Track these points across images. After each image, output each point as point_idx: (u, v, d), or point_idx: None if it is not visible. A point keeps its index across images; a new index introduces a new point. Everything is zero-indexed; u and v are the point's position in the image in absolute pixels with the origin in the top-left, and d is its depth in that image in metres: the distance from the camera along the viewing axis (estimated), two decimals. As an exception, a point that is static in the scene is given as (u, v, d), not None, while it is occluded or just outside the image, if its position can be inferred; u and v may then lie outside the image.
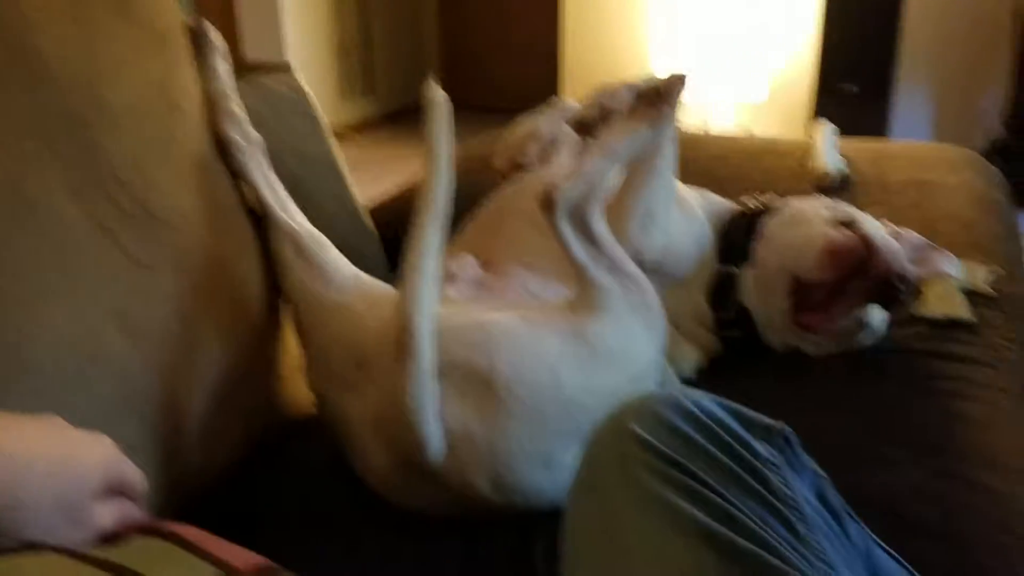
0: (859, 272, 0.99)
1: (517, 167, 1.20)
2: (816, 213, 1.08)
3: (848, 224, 1.04)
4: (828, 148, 1.57)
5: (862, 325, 1.04)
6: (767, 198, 1.16)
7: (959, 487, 0.81)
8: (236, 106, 0.95)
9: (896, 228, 1.18)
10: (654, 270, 1.04)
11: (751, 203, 1.16)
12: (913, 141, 3.40)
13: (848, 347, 1.05)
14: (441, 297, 0.92)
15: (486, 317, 0.78)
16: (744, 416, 0.60)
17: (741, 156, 1.67)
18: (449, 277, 0.95)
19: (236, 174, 0.94)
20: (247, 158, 0.93)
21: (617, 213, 1.01)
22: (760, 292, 1.06)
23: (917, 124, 3.51)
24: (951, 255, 1.18)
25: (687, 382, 1.02)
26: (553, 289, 0.95)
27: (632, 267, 0.84)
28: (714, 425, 0.57)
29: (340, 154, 1.34)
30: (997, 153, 3.30)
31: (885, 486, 0.81)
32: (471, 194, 1.19)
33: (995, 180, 1.58)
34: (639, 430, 0.56)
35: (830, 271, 0.99)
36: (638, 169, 1.00)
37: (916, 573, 0.63)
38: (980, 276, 1.17)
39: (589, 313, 0.79)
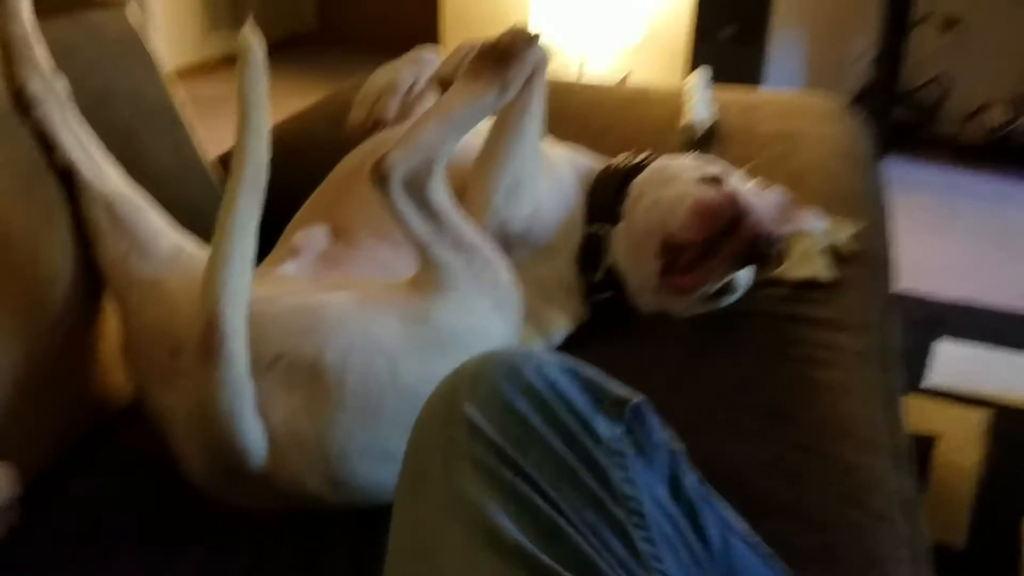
0: (729, 232, 0.96)
1: (375, 122, 1.12)
2: (684, 171, 1.04)
3: (716, 182, 1.01)
4: (698, 99, 1.54)
5: (732, 287, 1.02)
6: (637, 155, 1.12)
7: (813, 460, 0.80)
8: (36, 52, 0.83)
9: (762, 185, 1.16)
10: (520, 241, 1.00)
11: (620, 161, 1.12)
12: (784, 89, 3.46)
13: (715, 307, 1.03)
14: (276, 275, 0.84)
15: (316, 299, 0.71)
16: (595, 386, 0.55)
17: (613, 106, 1.63)
18: (292, 251, 0.87)
19: (38, 130, 0.83)
20: (49, 111, 0.82)
21: (480, 181, 0.94)
22: (629, 253, 1.02)
23: (791, 69, 3.55)
24: (815, 212, 1.17)
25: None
26: (406, 261, 0.88)
27: (480, 241, 0.78)
28: (556, 403, 0.52)
29: (182, 100, 1.22)
30: (866, 98, 3.38)
31: (739, 460, 0.79)
32: (340, 147, 1.10)
33: (861, 131, 1.59)
34: (471, 411, 0.51)
35: (698, 231, 0.96)
36: (503, 130, 0.93)
37: (776, 562, 0.61)
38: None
39: (431, 293, 0.73)
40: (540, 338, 1.00)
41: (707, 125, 1.49)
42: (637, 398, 0.56)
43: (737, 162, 1.32)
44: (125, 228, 0.79)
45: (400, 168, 0.73)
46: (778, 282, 1.08)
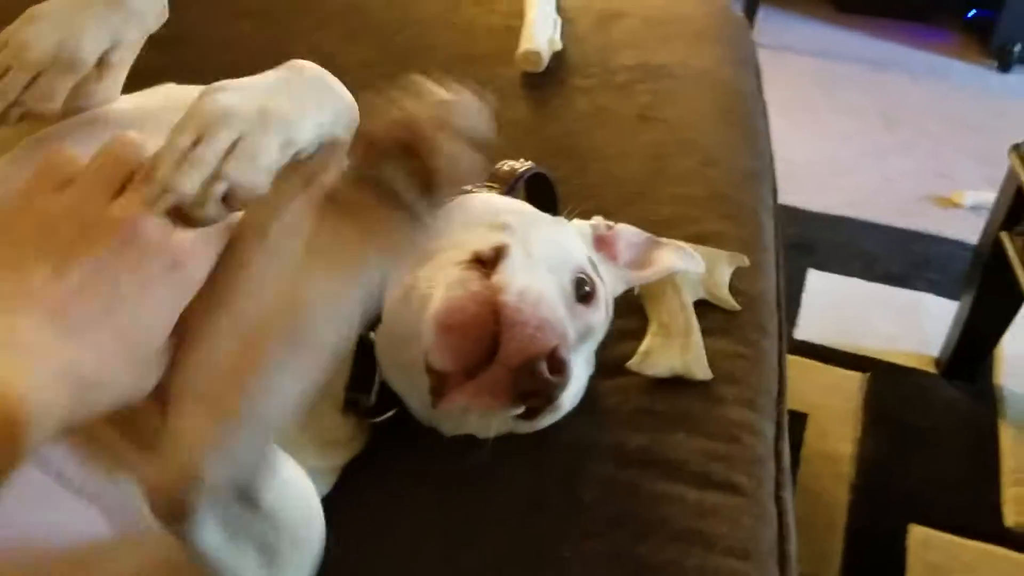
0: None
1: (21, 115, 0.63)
2: (449, 240, 0.64)
3: (487, 264, 0.61)
4: (542, 7, 1.12)
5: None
6: None
7: None
8: None
9: (605, 222, 0.78)
10: None
11: None
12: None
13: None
14: None
15: None
16: None
17: (429, 3, 1.18)
18: None
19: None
20: None
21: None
22: (393, 366, 0.64)
23: None
24: (682, 246, 0.80)
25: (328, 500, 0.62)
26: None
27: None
28: None
29: None
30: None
31: None
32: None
33: (746, 54, 1.21)
34: None
35: (447, 357, 0.58)
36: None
37: None
38: (721, 273, 0.82)
39: None
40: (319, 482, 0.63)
41: (555, 47, 1.08)
42: None
43: (584, 123, 0.95)
44: None
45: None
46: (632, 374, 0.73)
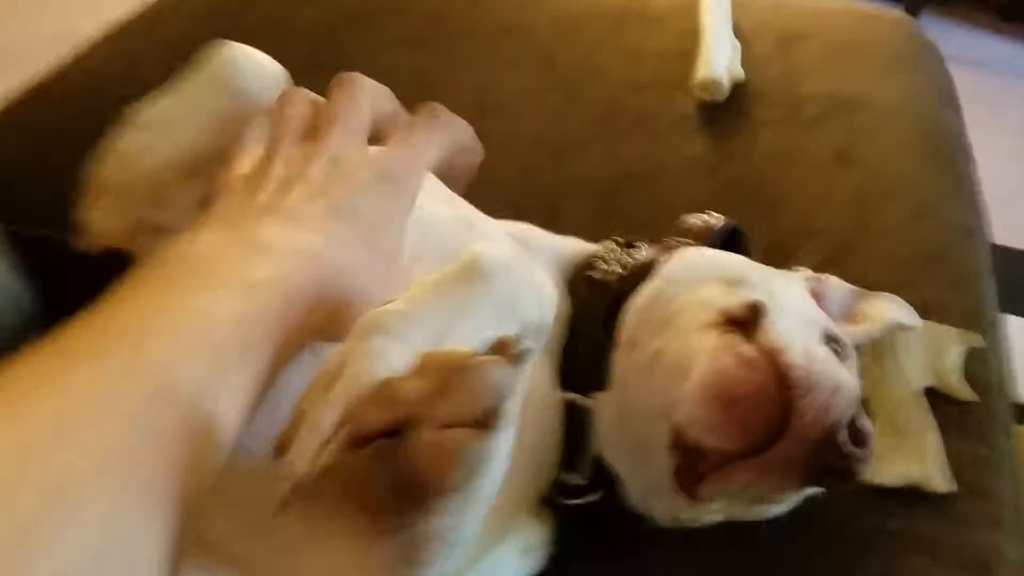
0: (777, 432, 0.49)
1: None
2: (693, 298, 0.55)
3: (745, 325, 0.52)
4: (719, 28, 1.01)
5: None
6: (643, 248, 0.63)
7: None
8: None
9: (813, 274, 0.67)
10: None
11: (609, 259, 0.61)
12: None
13: (754, 516, 0.58)
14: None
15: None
16: None
17: (593, 21, 1.09)
18: None
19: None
20: None
21: None
22: (624, 441, 0.56)
23: None
24: (893, 297, 0.70)
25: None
26: None
27: None
28: None
29: None
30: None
31: None
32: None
33: (944, 85, 1.07)
34: None
35: (722, 435, 0.49)
36: None
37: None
38: (952, 355, 0.70)
39: None
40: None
41: (736, 77, 0.97)
42: None
43: (772, 163, 0.84)
44: None
45: None
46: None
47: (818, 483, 0.50)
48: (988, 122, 2.26)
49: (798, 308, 0.55)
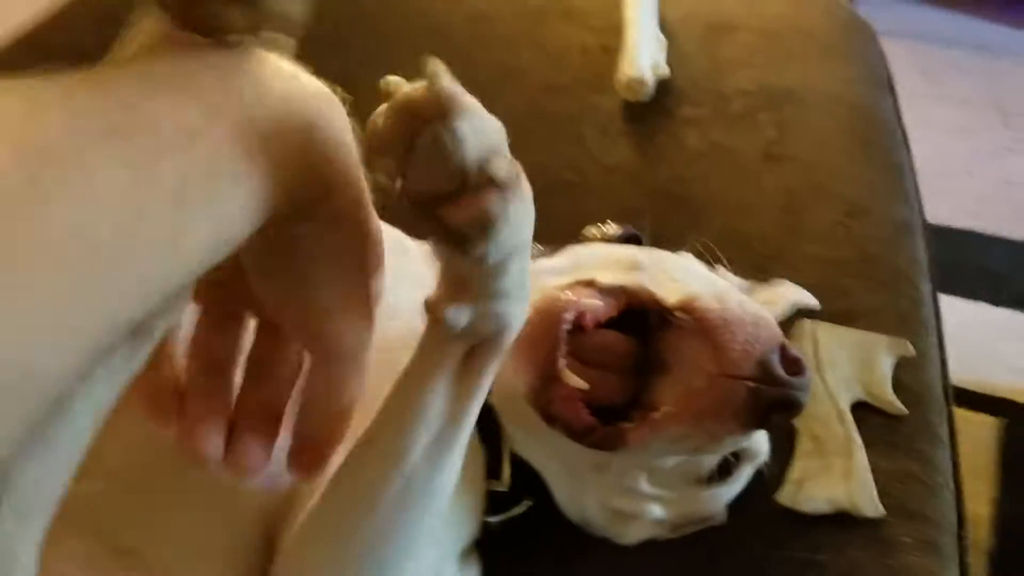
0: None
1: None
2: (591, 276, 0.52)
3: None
4: (644, 23, 0.97)
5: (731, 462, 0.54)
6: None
7: None
8: None
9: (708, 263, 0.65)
10: None
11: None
12: None
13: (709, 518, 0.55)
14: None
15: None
16: None
17: (513, 19, 1.04)
18: None
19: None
20: None
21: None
22: (527, 422, 0.53)
23: None
24: (791, 284, 0.69)
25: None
26: None
27: None
28: None
29: None
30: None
31: None
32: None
33: (880, 72, 1.05)
34: None
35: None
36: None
37: None
38: (882, 366, 0.67)
39: None
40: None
41: (661, 73, 0.93)
42: None
43: (699, 166, 0.81)
44: None
45: None
46: (784, 511, 0.59)
47: (763, 422, 0.47)
48: (927, 95, 2.27)
49: (698, 271, 0.55)
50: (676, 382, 0.47)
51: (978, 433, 1.34)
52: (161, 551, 0.41)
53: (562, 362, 0.47)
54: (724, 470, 0.52)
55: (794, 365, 0.46)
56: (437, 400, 0.37)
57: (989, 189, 1.93)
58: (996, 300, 1.60)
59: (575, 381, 0.47)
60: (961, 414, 1.37)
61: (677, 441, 0.47)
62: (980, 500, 1.25)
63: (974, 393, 1.40)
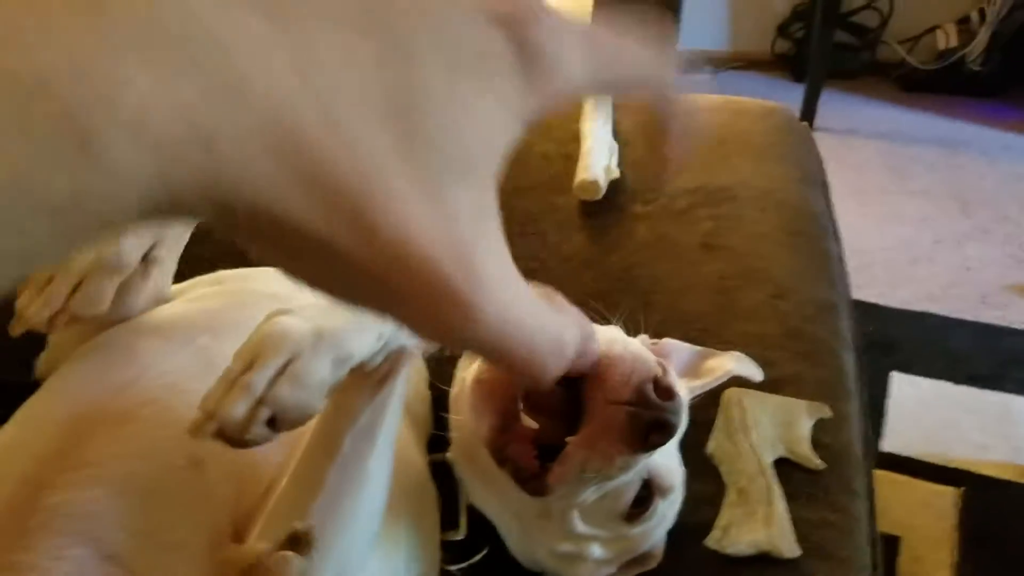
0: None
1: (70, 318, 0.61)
2: None
3: None
4: (599, 132, 1.09)
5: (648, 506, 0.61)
6: None
7: None
8: None
9: (651, 339, 0.74)
10: None
11: None
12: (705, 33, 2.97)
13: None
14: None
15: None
16: None
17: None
18: None
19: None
20: None
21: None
22: (477, 475, 0.61)
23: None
24: (736, 354, 0.77)
25: None
26: None
27: None
28: None
29: None
30: (800, 20, 2.94)
31: None
32: None
33: (812, 168, 1.17)
34: None
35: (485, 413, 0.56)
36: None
37: None
38: (801, 427, 0.76)
39: None
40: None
41: (612, 176, 1.05)
42: None
43: (646, 254, 0.91)
44: None
45: None
46: (708, 553, 0.67)
47: (645, 443, 0.53)
48: (895, 190, 2.40)
49: (606, 333, 0.59)
50: (587, 419, 0.55)
51: (939, 503, 1.40)
52: (142, 556, 0.48)
53: (520, 405, 0.56)
54: (641, 502, 0.60)
55: (666, 393, 0.54)
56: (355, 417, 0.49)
57: (950, 275, 2.04)
58: (956, 379, 1.68)
59: (528, 422, 0.55)
60: (923, 486, 1.46)
61: (584, 467, 0.55)
62: (942, 567, 1.30)
63: (935, 466, 1.47)
